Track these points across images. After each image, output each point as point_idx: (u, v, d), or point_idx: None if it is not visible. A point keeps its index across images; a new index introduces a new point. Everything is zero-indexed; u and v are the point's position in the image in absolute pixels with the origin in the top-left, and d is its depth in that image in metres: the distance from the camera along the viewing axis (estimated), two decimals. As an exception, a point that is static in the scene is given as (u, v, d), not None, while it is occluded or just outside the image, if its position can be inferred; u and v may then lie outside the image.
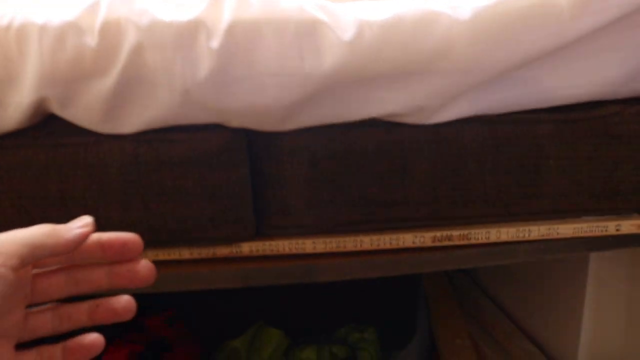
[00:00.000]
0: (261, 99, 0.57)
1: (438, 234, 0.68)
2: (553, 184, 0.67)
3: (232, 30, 0.55)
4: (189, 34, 0.55)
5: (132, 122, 0.60)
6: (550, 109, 0.66)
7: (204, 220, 0.64)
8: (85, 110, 0.59)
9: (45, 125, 0.62)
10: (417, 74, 0.58)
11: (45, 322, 0.40)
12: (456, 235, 0.68)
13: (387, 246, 0.68)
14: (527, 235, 0.69)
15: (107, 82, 0.56)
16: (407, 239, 0.68)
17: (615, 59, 0.62)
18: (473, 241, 0.69)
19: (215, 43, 0.55)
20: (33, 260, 0.37)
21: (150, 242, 0.66)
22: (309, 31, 0.56)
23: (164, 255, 0.67)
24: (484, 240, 0.69)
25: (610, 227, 0.70)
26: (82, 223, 0.40)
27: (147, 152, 0.61)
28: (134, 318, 0.43)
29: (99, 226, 0.63)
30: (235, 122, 0.61)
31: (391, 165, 0.64)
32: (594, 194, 0.69)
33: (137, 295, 0.68)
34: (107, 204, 0.63)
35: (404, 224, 0.68)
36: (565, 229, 0.70)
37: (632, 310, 0.96)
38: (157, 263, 0.67)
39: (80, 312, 0.41)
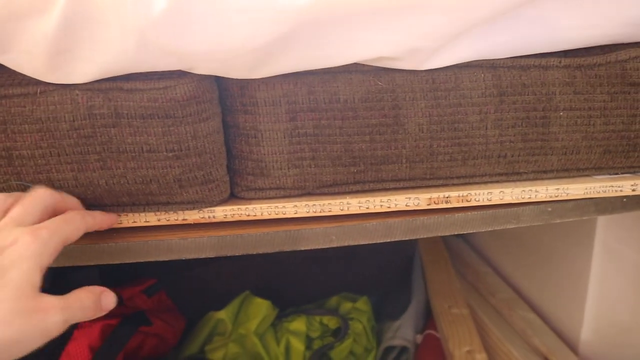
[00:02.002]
0: (228, 40, 0.49)
1: (434, 195, 0.61)
2: (563, 138, 0.60)
3: (191, -42, 0.47)
4: None
5: (82, 69, 0.52)
6: (561, 52, 0.59)
7: (170, 181, 0.57)
8: (27, 55, 0.51)
9: (-16, 74, 0.55)
10: (409, 9, 0.49)
11: None
12: (454, 196, 0.61)
13: (378, 209, 0.61)
14: (533, 196, 0.62)
15: (47, 22, 0.48)
16: (400, 201, 0.61)
17: (639, -8, 0.54)
18: (473, 203, 0.62)
19: (172, -27, 0.47)
20: None
21: (111, 206, 0.59)
22: None
23: (127, 221, 0.60)
24: (486, 202, 0.62)
25: (626, 187, 0.63)
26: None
27: (102, 103, 0.54)
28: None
29: (53, 188, 0.57)
30: (201, 68, 0.53)
31: (381, 117, 0.57)
32: (609, 149, 0.61)
33: (113, 266, 0.62)
34: (60, 163, 0.55)
35: (396, 185, 0.61)
36: (576, 189, 0.62)
37: (640, 277, 0.90)
38: (120, 230, 0.61)
39: None
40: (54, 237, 0.49)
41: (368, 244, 0.63)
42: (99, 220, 0.57)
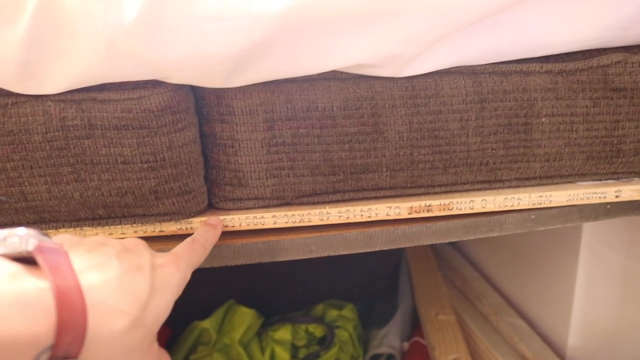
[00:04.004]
0: (202, 48, 0.48)
1: (415, 204, 0.60)
2: (545, 145, 0.59)
3: (163, -35, 0.46)
4: None
5: (54, 79, 0.51)
6: (542, 58, 0.58)
7: (146, 192, 0.55)
8: (-4, 66, 0.50)
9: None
10: (387, 15, 0.49)
11: None
12: (436, 205, 0.60)
13: (358, 219, 0.60)
14: (516, 204, 0.61)
15: (16, 32, 0.47)
16: (381, 211, 0.60)
17: (619, -4, 0.54)
18: (455, 211, 0.61)
19: (142, -20, 0.45)
20: None
21: (87, 219, 0.58)
22: None
23: (104, 234, 0.59)
24: (468, 211, 0.61)
25: (609, 193, 0.62)
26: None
27: (75, 114, 0.52)
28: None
29: (26, 201, 0.56)
30: (176, 78, 0.52)
31: (360, 125, 0.56)
32: (592, 156, 0.61)
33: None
34: (33, 176, 0.54)
35: (377, 194, 0.60)
36: (559, 197, 0.62)
37: (627, 281, 0.90)
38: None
39: None
40: (188, 270, 0.48)
41: (353, 251, 0.62)
42: (212, 238, 0.56)
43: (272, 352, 1.04)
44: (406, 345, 1.06)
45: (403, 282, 1.22)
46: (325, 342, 1.06)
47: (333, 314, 1.13)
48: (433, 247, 1.31)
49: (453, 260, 1.27)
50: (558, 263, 0.97)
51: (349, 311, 1.13)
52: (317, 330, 1.09)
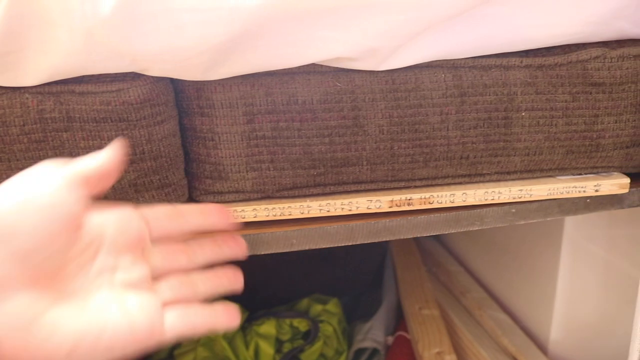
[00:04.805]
0: (179, 40, 0.48)
1: (396, 197, 0.60)
2: (525, 139, 0.60)
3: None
4: None
5: (32, 71, 0.51)
6: (522, 52, 0.58)
7: (125, 185, 0.55)
8: (-28, 57, 0.49)
9: None
10: (365, 8, 0.49)
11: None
12: (416, 198, 0.60)
13: (339, 212, 0.60)
14: (496, 197, 0.61)
15: None
16: (361, 204, 0.60)
17: (598, -9, 0.54)
18: (436, 205, 0.61)
19: (119, -29, 0.45)
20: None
21: (65, 212, 0.57)
22: None
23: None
24: (448, 204, 0.61)
25: (589, 187, 0.63)
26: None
27: (53, 107, 0.52)
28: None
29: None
30: (154, 70, 0.52)
31: (340, 118, 0.56)
32: (571, 150, 0.61)
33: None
34: (10, 169, 0.54)
35: (357, 187, 0.60)
36: (539, 190, 0.62)
37: (609, 275, 0.91)
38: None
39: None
40: None
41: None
42: None
43: (257, 346, 1.04)
44: (390, 339, 1.06)
45: (388, 277, 1.22)
46: (309, 336, 1.06)
47: (317, 308, 1.13)
48: (417, 242, 1.31)
49: (437, 255, 1.27)
50: (541, 257, 0.97)
51: (333, 306, 1.13)
52: (302, 325, 1.09)
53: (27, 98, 0.52)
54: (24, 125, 0.52)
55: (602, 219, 0.88)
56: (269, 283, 1.18)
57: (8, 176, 0.53)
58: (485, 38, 0.56)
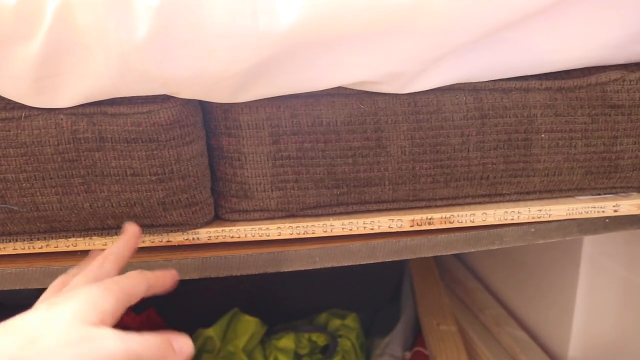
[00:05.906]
0: (210, 65, 0.49)
1: (417, 217, 0.61)
2: (545, 160, 0.61)
3: (174, -15, 0.47)
4: None
5: (67, 93, 0.53)
6: (542, 75, 0.59)
7: (154, 204, 0.57)
8: (12, 80, 0.51)
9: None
10: (390, 34, 0.50)
11: None
12: (437, 218, 0.61)
13: (361, 231, 0.61)
14: (515, 217, 0.62)
15: (32, 47, 0.48)
16: (383, 223, 0.61)
17: (616, 16, 0.55)
18: (456, 225, 0.62)
19: (154, 0, 0.47)
20: None
21: (96, 229, 0.59)
22: None
23: (113, 243, 0.60)
24: (469, 224, 0.62)
25: (608, 207, 0.64)
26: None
27: (86, 127, 0.54)
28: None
29: (37, 210, 0.57)
30: (184, 93, 0.53)
31: (363, 140, 0.57)
32: (590, 171, 0.62)
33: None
34: (44, 186, 0.56)
35: (379, 206, 0.62)
36: (559, 210, 0.63)
37: (628, 293, 0.91)
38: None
39: None
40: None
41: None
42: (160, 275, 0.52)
43: (276, 360, 1.05)
44: (408, 354, 1.07)
45: (406, 292, 1.23)
46: (328, 351, 1.07)
47: (336, 323, 1.14)
48: (436, 258, 1.32)
49: (455, 272, 1.28)
50: (559, 274, 0.98)
51: (351, 320, 1.14)
52: (320, 339, 1.10)
53: (61, 119, 0.54)
54: (58, 144, 0.54)
55: (621, 237, 0.88)
56: (288, 298, 1.19)
57: (42, 194, 0.56)
58: (505, 62, 0.57)
